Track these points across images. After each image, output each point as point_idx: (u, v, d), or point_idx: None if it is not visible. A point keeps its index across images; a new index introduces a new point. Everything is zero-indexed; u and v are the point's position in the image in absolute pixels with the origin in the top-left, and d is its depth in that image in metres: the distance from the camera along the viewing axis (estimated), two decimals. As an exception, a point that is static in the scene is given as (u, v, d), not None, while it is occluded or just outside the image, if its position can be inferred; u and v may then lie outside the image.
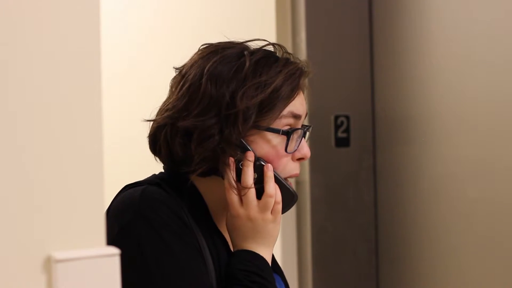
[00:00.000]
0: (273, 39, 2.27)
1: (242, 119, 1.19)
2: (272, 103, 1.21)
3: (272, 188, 1.21)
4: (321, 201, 2.31)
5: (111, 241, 1.09)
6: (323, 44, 2.33)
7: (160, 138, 1.24)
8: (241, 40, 1.28)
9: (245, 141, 1.21)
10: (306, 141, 1.29)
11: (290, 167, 1.25)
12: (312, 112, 2.24)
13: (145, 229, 1.16)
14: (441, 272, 2.20)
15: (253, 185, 1.21)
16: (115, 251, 0.84)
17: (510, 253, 2.00)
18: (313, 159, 2.26)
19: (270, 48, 1.28)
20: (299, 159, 1.27)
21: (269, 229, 1.23)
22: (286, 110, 1.23)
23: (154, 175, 1.30)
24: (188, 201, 1.23)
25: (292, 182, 1.29)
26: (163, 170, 1.31)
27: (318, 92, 2.27)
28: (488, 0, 2.06)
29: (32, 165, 0.81)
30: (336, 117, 2.34)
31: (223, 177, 1.22)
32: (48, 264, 0.80)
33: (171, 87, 1.28)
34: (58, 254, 0.80)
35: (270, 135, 1.23)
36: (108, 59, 1.94)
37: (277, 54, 1.27)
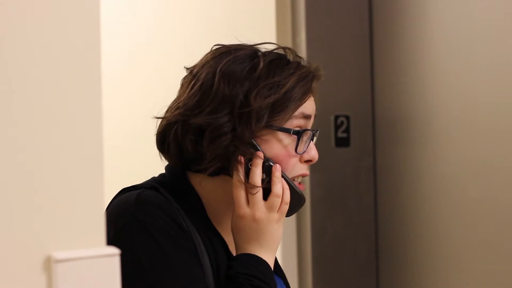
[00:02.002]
0: (273, 39, 2.27)
1: (256, 118, 1.20)
2: (284, 104, 1.22)
3: (279, 188, 1.21)
4: (321, 201, 2.31)
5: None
6: (323, 44, 2.33)
7: (170, 136, 1.24)
8: (252, 43, 1.29)
9: (255, 141, 1.22)
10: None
11: (298, 168, 1.27)
12: (312, 112, 2.24)
13: (139, 233, 1.16)
14: (441, 272, 2.20)
15: (260, 185, 1.21)
16: (115, 251, 0.84)
17: (510, 253, 2.00)
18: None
19: (281, 51, 1.30)
20: (307, 161, 1.28)
21: (273, 230, 1.22)
22: (298, 111, 1.25)
23: (153, 178, 1.30)
24: (186, 204, 1.23)
25: (305, 185, 1.29)
26: (164, 171, 1.31)
27: (318, 92, 2.27)
28: (488, 0, 2.06)
29: (32, 165, 0.81)
30: (336, 117, 2.33)
31: (232, 176, 1.22)
32: (48, 264, 0.80)
33: (182, 85, 1.28)
34: (58, 254, 0.80)
35: (281, 135, 1.24)
36: (108, 59, 1.94)
37: (288, 57, 1.29)
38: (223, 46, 1.28)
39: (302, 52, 2.28)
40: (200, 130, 1.21)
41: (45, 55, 0.82)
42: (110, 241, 1.14)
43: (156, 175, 1.32)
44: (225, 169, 1.22)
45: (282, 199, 1.22)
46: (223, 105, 1.20)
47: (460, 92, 2.13)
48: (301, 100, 1.25)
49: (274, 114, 1.22)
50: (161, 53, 2.75)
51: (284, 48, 1.30)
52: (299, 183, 1.28)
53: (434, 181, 2.21)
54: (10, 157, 0.80)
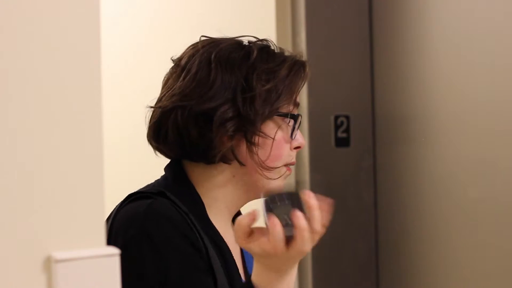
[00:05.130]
0: (273, 39, 2.27)
1: (261, 102, 1.21)
2: (281, 89, 1.24)
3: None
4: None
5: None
6: (323, 44, 2.33)
7: (168, 124, 1.24)
8: (233, 36, 1.31)
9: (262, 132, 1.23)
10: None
11: (290, 155, 1.28)
12: (312, 112, 2.24)
13: (147, 246, 1.15)
14: (441, 272, 2.20)
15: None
16: (115, 251, 0.84)
17: (510, 253, 2.00)
18: (313, 159, 2.26)
19: (265, 43, 1.32)
20: (296, 148, 1.29)
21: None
22: (295, 97, 1.27)
23: (157, 181, 1.29)
24: (192, 207, 1.23)
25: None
26: (163, 172, 1.31)
27: (318, 92, 2.27)
28: (488, 0, 2.06)
29: (32, 165, 0.81)
30: (336, 117, 2.33)
31: (237, 160, 1.23)
32: (48, 264, 0.80)
33: (169, 77, 1.29)
34: (58, 254, 0.80)
35: (279, 120, 1.25)
36: (108, 59, 1.94)
37: (275, 48, 1.31)
38: (207, 38, 1.30)
39: (302, 52, 2.28)
40: (205, 116, 1.21)
41: (45, 55, 0.82)
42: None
43: (156, 174, 1.32)
44: (224, 157, 1.23)
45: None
46: (224, 91, 1.22)
47: (460, 92, 2.13)
48: (297, 86, 1.26)
49: (275, 99, 1.23)
50: (161, 53, 2.75)
51: (264, 40, 1.31)
52: (289, 165, 1.28)
53: (434, 181, 2.21)
54: (9, 157, 0.80)
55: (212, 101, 1.21)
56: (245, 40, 1.30)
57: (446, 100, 2.16)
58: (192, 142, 1.23)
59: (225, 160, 1.24)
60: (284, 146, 1.25)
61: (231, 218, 1.33)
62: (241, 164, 1.24)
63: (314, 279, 2.31)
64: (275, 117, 1.24)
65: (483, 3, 2.07)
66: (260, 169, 1.23)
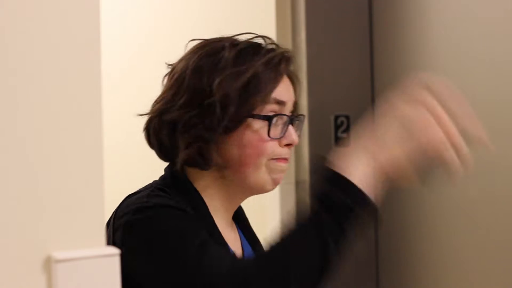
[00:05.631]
0: (273, 39, 2.27)
1: (220, 108, 1.20)
2: (251, 90, 1.22)
3: None
4: (321, 201, 2.31)
5: (120, 236, 1.10)
6: (323, 44, 2.33)
7: (150, 131, 1.29)
8: (230, 35, 1.30)
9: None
10: (298, 131, 1.31)
11: (278, 151, 1.26)
12: (312, 112, 2.24)
13: (152, 215, 1.16)
14: (441, 272, 2.20)
15: None
16: (115, 251, 0.84)
17: (510, 253, 2.00)
18: (313, 159, 2.26)
19: (259, 40, 1.31)
20: (287, 145, 1.28)
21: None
22: (269, 97, 1.24)
23: (155, 181, 1.31)
24: (192, 205, 1.24)
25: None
26: (163, 173, 1.32)
27: (318, 92, 2.27)
28: (488, 0, 2.06)
29: (32, 166, 0.81)
30: (336, 117, 2.33)
31: (203, 167, 1.24)
32: (48, 264, 0.80)
33: (162, 81, 1.32)
34: (58, 254, 0.80)
35: (251, 121, 1.23)
36: (108, 59, 1.94)
37: (263, 45, 1.30)
38: (201, 40, 1.30)
39: (302, 52, 2.28)
40: (173, 124, 1.24)
41: (45, 55, 0.82)
42: (123, 232, 1.15)
43: (156, 174, 1.33)
44: (196, 161, 1.24)
45: None
46: (193, 98, 1.23)
47: (460, 92, 2.12)
48: (271, 84, 1.24)
49: (243, 101, 1.22)
50: (161, 53, 2.75)
51: (261, 37, 1.31)
52: (282, 160, 1.27)
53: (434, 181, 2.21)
54: (10, 158, 0.80)
55: (181, 108, 1.23)
56: (240, 38, 1.29)
57: (446, 100, 2.16)
58: (166, 148, 1.27)
59: (198, 165, 1.26)
60: (262, 145, 1.24)
61: (230, 216, 1.33)
62: (210, 161, 1.25)
63: (314, 279, 2.31)
64: (248, 119, 1.23)
65: (483, 2, 2.07)
66: (239, 168, 1.24)
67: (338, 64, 2.35)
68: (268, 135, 1.24)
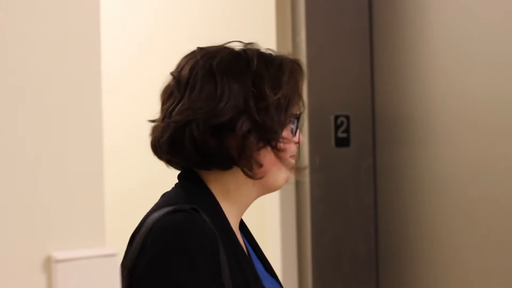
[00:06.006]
0: (273, 39, 2.27)
1: (274, 109, 1.24)
2: (289, 94, 1.27)
3: None
4: (321, 201, 2.31)
5: (148, 259, 1.13)
6: (323, 44, 2.33)
7: (183, 138, 1.24)
8: (220, 43, 1.32)
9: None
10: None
11: (293, 150, 1.32)
12: (312, 112, 2.25)
13: (181, 259, 1.16)
14: (441, 272, 2.20)
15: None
16: (114, 251, 0.84)
17: (510, 252, 2.00)
18: (313, 159, 2.26)
19: (251, 46, 1.33)
20: (296, 143, 1.32)
21: None
22: (302, 99, 1.32)
23: (176, 191, 1.30)
24: (216, 219, 1.24)
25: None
26: (168, 176, 1.32)
27: (318, 92, 2.27)
28: (488, 0, 2.06)
29: (32, 166, 0.81)
30: (336, 117, 2.34)
31: (248, 165, 1.25)
32: (48, 264, 0.80)
33: (172, 90, 1.28)
34: (58, 254, 0.80)
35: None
36: (109, 59, 1.94)
37: (273, 53, 1.32)
38: (202, 48, 1.30)
39: (302, 52, 2.28)
40: (223, 128, 1.23)
41: (45, 55, 0.82)
42: (152, 260, 1.15)
43: (155, 174, 1.33)
44: (236, 161, 1.26)
45: None
46: (234, 101, 1.23)
47: (460, 92, 2.13)
48: (300, 86, 1.31)
49: (287, 105, 1.27)
50: (161, 53, 2.75)
51: (250, 44, 1.32)
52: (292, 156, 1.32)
53: (434, 181, 2.21)
54: (10, 158, 0.80)
55: (226, 113, 1.23)
56: (235, 47, 1.30)
57: (446, 100, 2.17)
58: (210, 153, 1.25)
59: (239, 164, 1.26)
60: (289, 145, 1.30)
61: (238, 221, 1.34)
62: (260, 166, 1.26)
63: (314, 278, 2.31)
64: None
65: (482, 2, 2.07)
66: (268, 168, 1.27)
67: (338, 64, 2.35)
68: (294, 134, 1.30)
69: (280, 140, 1.26)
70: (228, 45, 1.31)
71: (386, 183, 2.36)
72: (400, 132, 2.32)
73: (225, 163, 1.25)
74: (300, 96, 1.30)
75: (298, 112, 1.30)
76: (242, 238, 1.38)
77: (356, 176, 2.37)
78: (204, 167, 1.28)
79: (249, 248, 1.38)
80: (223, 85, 1.23)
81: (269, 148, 1.26)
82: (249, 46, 1.31)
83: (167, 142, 1.27)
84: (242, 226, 1.41)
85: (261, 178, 1.28)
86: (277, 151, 1.26)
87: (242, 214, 1.35)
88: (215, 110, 1.23)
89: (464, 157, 2.11)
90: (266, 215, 2.33)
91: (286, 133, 1.28)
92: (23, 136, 0.80)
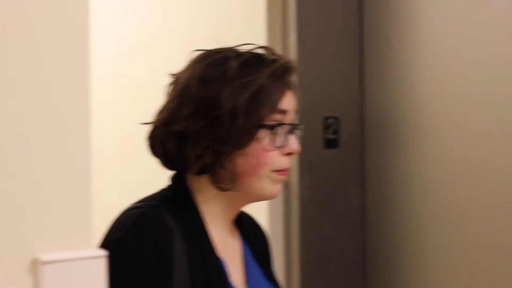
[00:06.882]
0: (263, 41, 2.28)
1: (229, 120, 1.21)
2: (259, 101, 1.23)
3: None
4: (310, 202, 2.32)
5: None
6: (313, 46, 2.34)
7: (156, 140, 1.28)
8: (232, 46, 1.30)
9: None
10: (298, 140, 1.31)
11: (279, 162, 1.27)
12: (302, 113, 2.25)
13: (119, 257, 1.15)
14: (429, 274, 2.21)
15: None
16: (101, 253, 0.84)
17: (499, 254, 2.01)
18: (302, 160, 2.27)
19: (260, 50, 1.31)
20: (288, 154, 1.29)
21: None
22: (276, 107, 1.25)
23: (162, 190, 1.31)
24: (188, 219, 1.24)
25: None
26: (169, 181, 1.33)
27: (307, 93, 2.27)
28: (478, 2, 2.07)
29: (19, 168, 0.81)
30: (325, 118, 2.34)
31: (215, 173, 1.25)
32: (35, 265, 0.81)
33: (166, 91, 1.32)
34: (44, 256, 0.81)
35: (256, 131, 1.25)
36: (98, 60, 1.94)
37: (266, 56, 1.30)
38: (203, 50, 1.30)
39: (293, 53, 2.29)
40: (181, 134, 1.24)
41: (32, 56, 0.83)
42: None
43: (150, 176, 1.34)
44: (208, 168, 1.25)
45: None
46: (200, 108, 1.23)
47: (450, 94, 2.14)
48: (278, 95, 1.25)
49: (250, 112, 1.23)
50: (151, 54, 2.75)
51: (263, 47, 1.31)
52: (282, 171, 1.28)
53: (423, 183, 2.22)
54: (-3, 159, 0.80)
55: (188, 119, 1.23)
56: (242, 49, 1.30)
57: (435, 102, 2.18)
58: (173, 157, 1.27)
59: (210, 171, 1.26)
60: (265, 154, 1.25)
61: (229, 222, 1.34)
62: (232, 174, 1.26)
63: (301, 279, 2.32)
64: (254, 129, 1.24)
65: (473, 3, 2.08)
66: (242, 178, 1.25)
67: (328, 65, 2.36)
68: (272, 144, 1.25)
69: (229, 150, 1.23)
70: (238, 47, 1.30)
71: (375, 184, 2.37)
72: (389, 134, 2.33)
73: (187, 168, 1.26)
74: (275, 104, 1.25)
75: (273, 123, 1.25)
76: (242, 242, 1.38)
77: (344, 178, 2.38)
78: (177, 169, 1.30)
79: (248, 252, 1.37)
80: (195, 92, 1.24)
81: (241, 157, 1.24)
82: (252, 52, 1.29)
83: (148, 143, 1.31)
84: (248, 229, 1.40)
85: (234, 189, 1.27)
86: (244, 158, 1.24)
87: (232, 217, 1.34)
88: (178, 116, 1.24)
89: (453, 159, 2.12)
90: (254, 216, 2.33)
91: (260, 143, 1.24)
92: (9, 139, 0.81)
